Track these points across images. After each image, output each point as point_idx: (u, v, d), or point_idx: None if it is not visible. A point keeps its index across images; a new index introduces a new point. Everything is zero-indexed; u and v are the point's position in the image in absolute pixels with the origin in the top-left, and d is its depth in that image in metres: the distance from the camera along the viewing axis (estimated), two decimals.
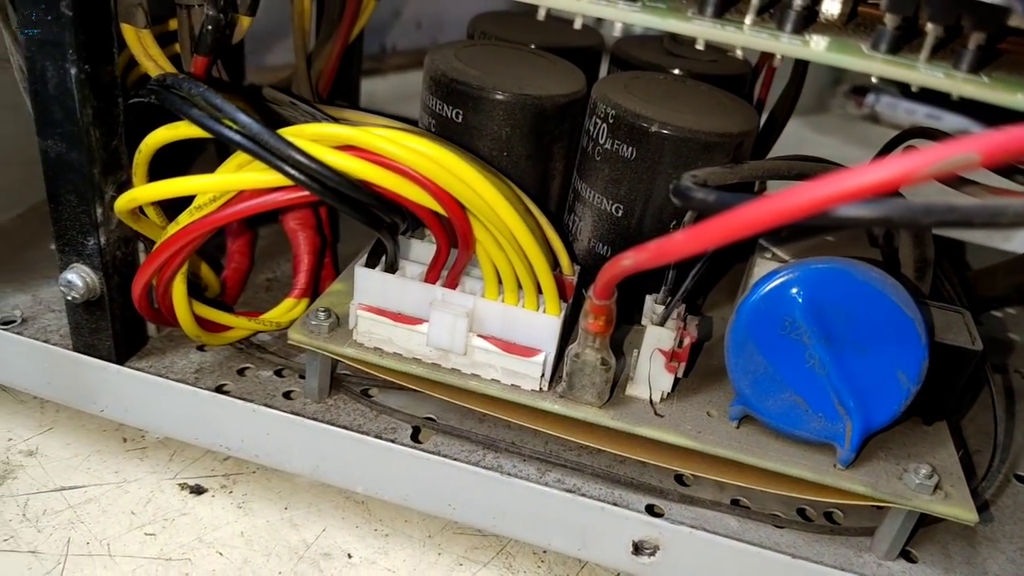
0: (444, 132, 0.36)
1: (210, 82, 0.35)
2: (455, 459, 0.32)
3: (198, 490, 0.34)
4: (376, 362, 0.33)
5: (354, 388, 0.36)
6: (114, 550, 0.31)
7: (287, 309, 0.37)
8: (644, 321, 0.32)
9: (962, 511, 0.30)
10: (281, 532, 0.33)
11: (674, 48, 0.43)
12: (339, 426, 0.32)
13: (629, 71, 0.39)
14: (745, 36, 0.24)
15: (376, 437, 0.33)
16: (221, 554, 0.32)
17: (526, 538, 0.32)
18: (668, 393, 0.33)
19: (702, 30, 0.24)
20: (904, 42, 0.24)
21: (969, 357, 0.32)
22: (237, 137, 0.26)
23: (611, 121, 0.34)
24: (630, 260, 0.25)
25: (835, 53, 0.24)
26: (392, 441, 0.32)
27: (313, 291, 0.39)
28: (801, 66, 0.42)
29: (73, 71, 0.29)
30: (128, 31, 0.32)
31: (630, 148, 0.34)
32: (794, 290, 0.30)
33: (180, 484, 0.34)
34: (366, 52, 0.59)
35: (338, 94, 0.51)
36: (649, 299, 0.33)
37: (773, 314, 0.30)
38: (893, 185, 0.19)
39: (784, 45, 0.24)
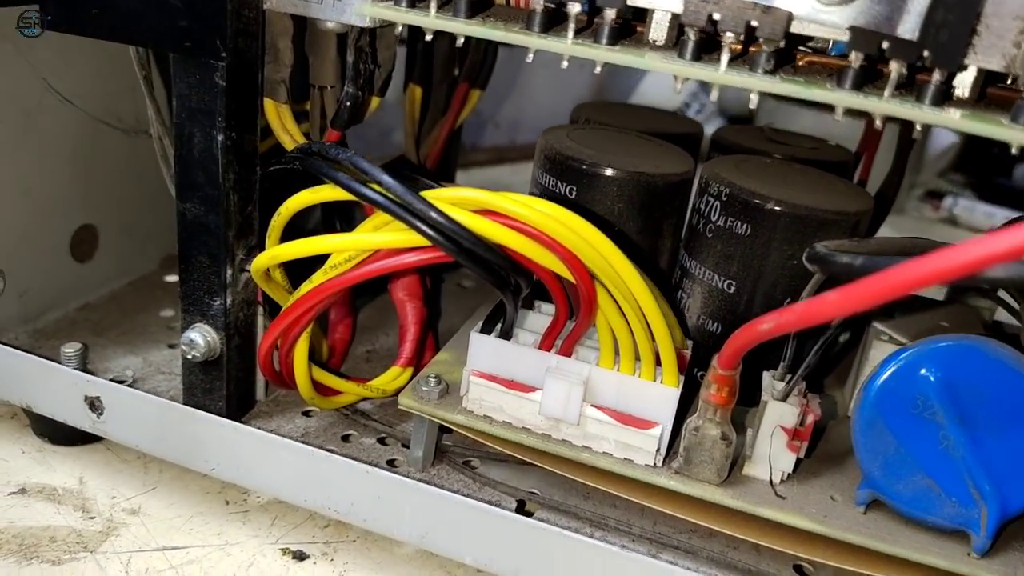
0: None
1: None
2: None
3: (300, 556, 0.34)
4: (486, 430, 0.33)
5: (457, 459, 0.36)
6: None
7: (393, 377, 0.37)
8: (764, 397, 0.31)
9: None
10: None
11: (775, 136, 0.44)
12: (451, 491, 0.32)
13: (736, 155, 0.40)
14: (885, 104, 0.25)
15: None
16: None
17: None
18: (788, 475, 0.32)
19: (843, 98, 0.25)
20: None
21: None
22: (380, 198, 0.27)
23: (724, 199, 0.34)
24: (770, 324, 0.25)
25: (975, 122, 0.24)
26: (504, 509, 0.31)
27: (416, 361, 0.39)
28: (904, 151, 0.42)
29: (220, 137, 0.31)
30: (269, 105, 0.34)
31: (744, 225, 0.34)
32: (924, 369, 0.29)
33: (282, 549, 0.34)
34: None
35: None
36: (767, 375, 0.33)
37: (904, 393, 0.29)
38: None
39: (926, 114, 0.24)
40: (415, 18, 0.28)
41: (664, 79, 0.28)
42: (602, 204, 0.36)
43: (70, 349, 0.37)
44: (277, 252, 0.30)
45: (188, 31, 0.30)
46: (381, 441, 0.37)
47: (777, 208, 0.33)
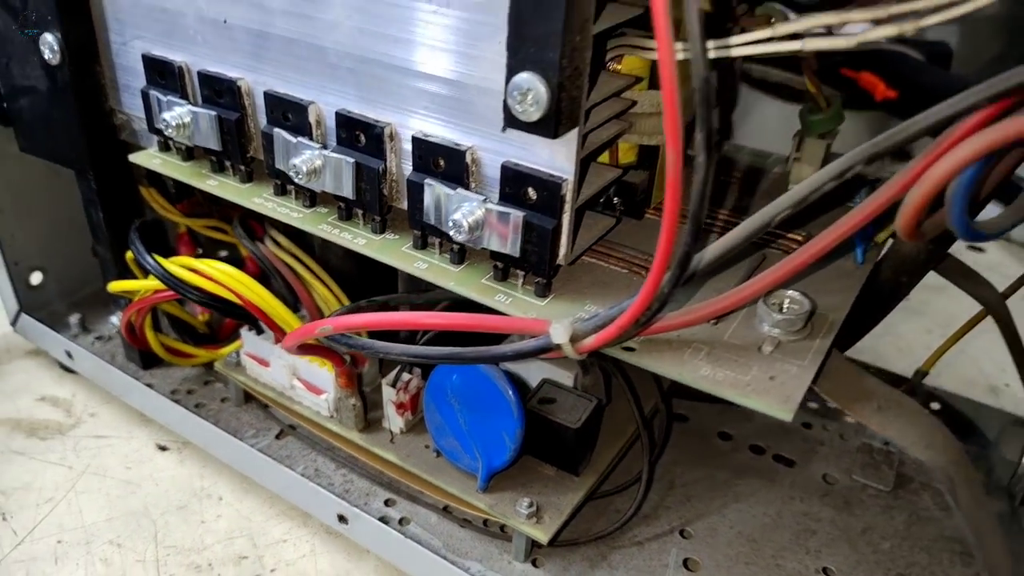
0: None
1: None
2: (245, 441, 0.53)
3: (163, 448, 0.59)
4: (254, 387, 0.55)
5: (263, 404, 0.59)
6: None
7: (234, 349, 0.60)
8: (383, 380, 0.50)
9: (537, 532, 0.45)
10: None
11: None
12: (210, 421, 0.55)
13: None
14: None
15: (237, 437, 0.55)
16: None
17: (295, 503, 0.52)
18: (405, 429, 0.51)
19: None
20: None
21: (568, 431, 0.46)
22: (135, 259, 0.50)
23: None
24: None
25: None
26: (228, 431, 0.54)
27: None
28: None
29: None
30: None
31: None
32: (449, 374, 0.47)
33: (157, 444, 0.59)
34: None
35: None
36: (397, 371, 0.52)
37: (440, 387, 0.47)
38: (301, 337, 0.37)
39: None
40: None
41: None
42: None
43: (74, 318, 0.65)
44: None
45: None
46: (209, 383, 0.60)
47: None
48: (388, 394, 0.50)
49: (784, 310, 0.35)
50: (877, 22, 0.28)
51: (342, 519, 0.49)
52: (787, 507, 0.52)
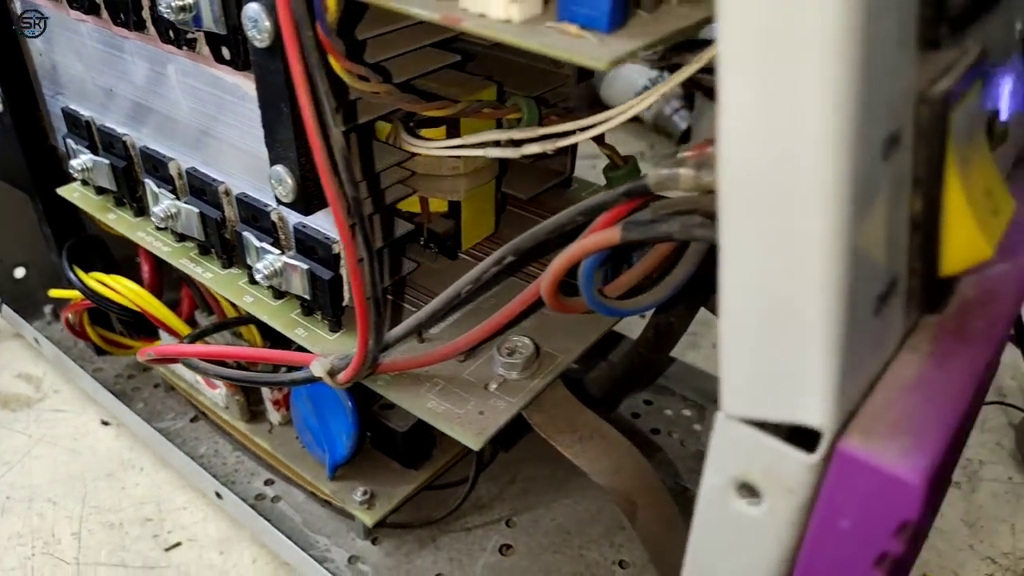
0: None
1: None
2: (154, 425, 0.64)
3: (105, 423, 0.70)
4: (174, 380, 0.66)
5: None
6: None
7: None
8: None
9: (365, 517, 0.54)
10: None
11: None
12: (137, 405, 0.66)
13: None
14: None
15: (153, 420, 0.65)
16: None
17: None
18: (283, 422, 0.61)
19: None
20: None
21: (397, 433, 0.55)
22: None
23: None
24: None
25: None
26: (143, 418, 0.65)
27: None
28: None
29: None
30: None
31: None
32: None
33: (101, 420, 0.70)
34: None
35: None
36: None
37: (299, 389, 0.56)
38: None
39: None
40: None
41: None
42: None
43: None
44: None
45: None
46: (148, 370, 0.71)
47: None
48: (265, 392, 0.60)
49: (513, 354, 0.43)
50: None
51: (218, 495, 0.59)
52: (608, 504, 0.60)
